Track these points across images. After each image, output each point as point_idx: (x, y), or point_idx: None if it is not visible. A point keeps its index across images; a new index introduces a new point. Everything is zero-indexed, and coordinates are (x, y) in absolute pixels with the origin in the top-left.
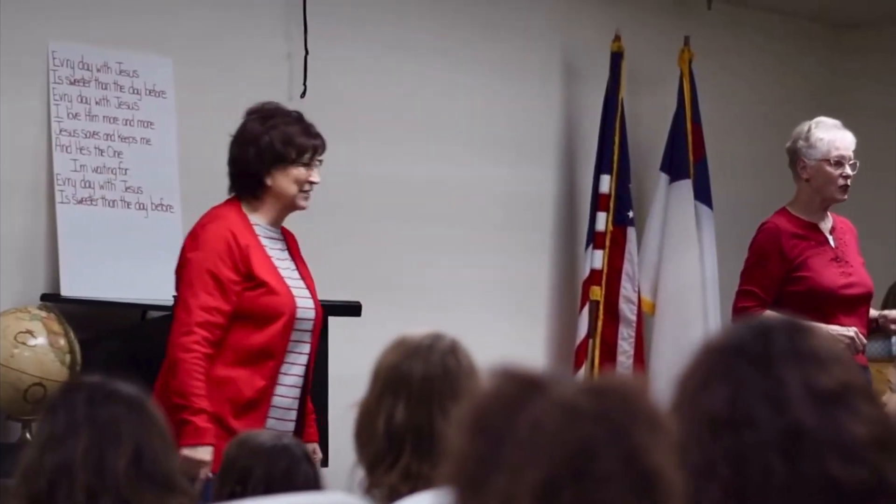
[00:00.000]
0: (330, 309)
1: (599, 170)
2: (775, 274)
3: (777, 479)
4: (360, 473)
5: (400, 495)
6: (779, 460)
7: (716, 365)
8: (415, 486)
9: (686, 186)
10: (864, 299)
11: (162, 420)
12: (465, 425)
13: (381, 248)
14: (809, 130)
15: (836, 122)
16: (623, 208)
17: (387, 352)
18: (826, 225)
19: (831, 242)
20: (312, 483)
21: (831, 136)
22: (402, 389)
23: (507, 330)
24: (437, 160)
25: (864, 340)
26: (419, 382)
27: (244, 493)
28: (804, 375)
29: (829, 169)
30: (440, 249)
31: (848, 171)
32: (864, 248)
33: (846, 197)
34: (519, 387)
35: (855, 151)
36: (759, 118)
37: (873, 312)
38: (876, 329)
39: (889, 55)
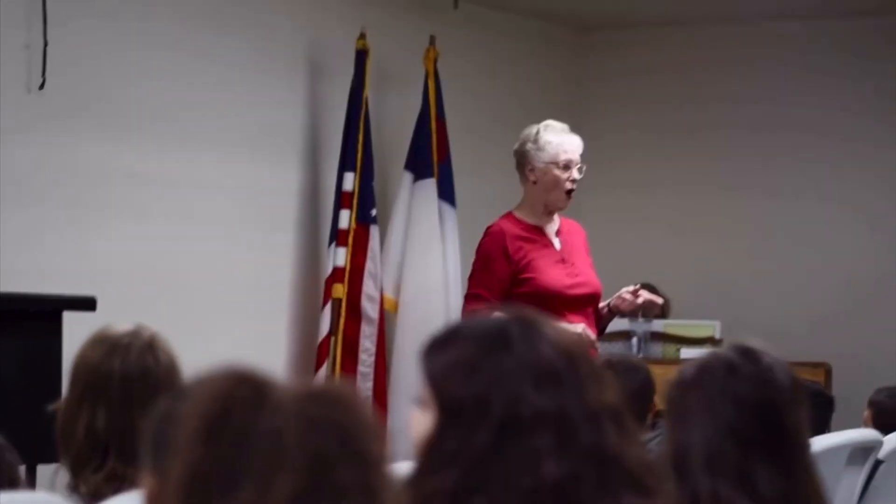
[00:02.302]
0: (63, 303)
1: (343, 167)
2: (501, 275)
3: None
4: (65, 473)
5: (104, 496)
6: (592, 491)
7: (525, 386)
8: (119, 487)
9: (430, 185)
10: (591, 299)
11: None
12: (197, 430)
13: (120, 243)
14: (538, 133)
15: (564, 126)
16: (366, 206)
17: (86, 349)
18: (552, 227)
19: (556, 244)
20: (16, 473)
21: (560, 140)
22: (102, 394)
23: (248, 327)
24: (178, 154)
25: (592, 336)
26: (118, 386)
27: None
28: (599, 393)
29: (556, 172)
30: (181, 245)
31: (575, 174)
32: (609, 250)
33: (568, 204)
34: (251, 391)
35: (595, 151)
36: (504, 118)
37: (602, 304)
38: (609, 317)
39: (632, 57)
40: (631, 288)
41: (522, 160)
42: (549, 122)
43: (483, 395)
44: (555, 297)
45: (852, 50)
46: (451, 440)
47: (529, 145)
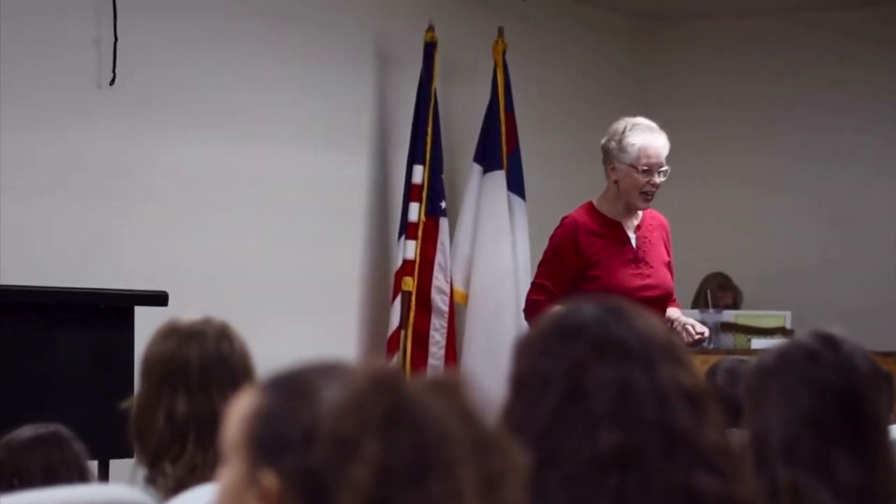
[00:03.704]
0: (136, 298)
1: (412, 160)
2: (569, 269)
3: (654, 487)
4: (142, 469)
5: (185, 487)
6: (659, 465)
7: (589, 358)
8: (201, 476)
9: (499, 177)
10: (660, 301)
11: None
12: (373, 427)
13: (191, 238)
14: (623, 133)
15: (651, 126)
16: (436, 199)
17: (157, 341)
18: (631, 223)
19: (633, 242)
20: (83, 463)
21: (643, 143)
22: (181, 381)
23: (318, 320)
24: (249, 148)
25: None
26: (197, 372)
27: (23, 486)
28: (673, 372)
29: (636, 175)
30: (251, 239)
31: (656, 179)
32: (676, 243)
33: (648, 205)
34: (399, 384)
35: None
36: (573, 109)
37: (671, 312)
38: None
39: (702, 48)
40: (699, 330)
41: (606, 156)
42: (637, 120)
43: (548, 366)
44: (621, 298)
45: None
46: (518, 409)
47: (612, 144)
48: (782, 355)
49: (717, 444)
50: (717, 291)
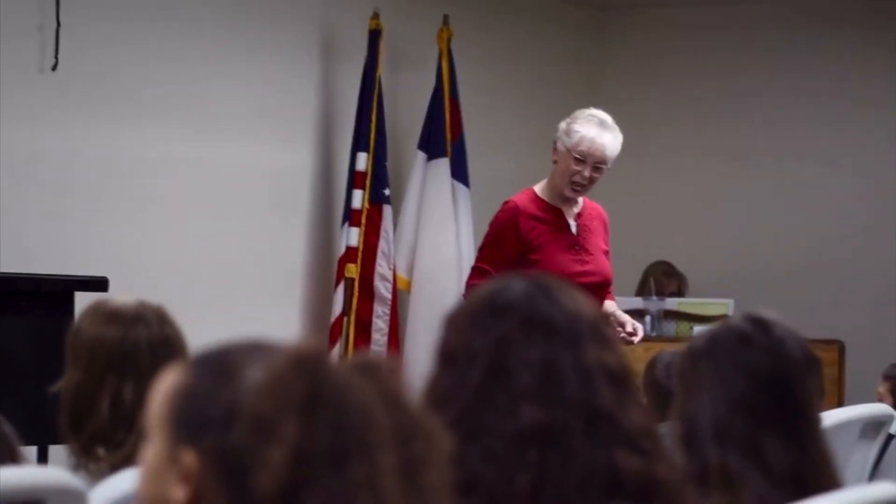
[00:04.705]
0: (75, 284)
1: (356, 147)
2: (509, 254)
3: (576, 464)
4: (71, 454)
5: (119, 471)
6: (581, 443)
7: (516, 335)
8: (138, 461)
9: (443, 164)
10: (599, 288)
11: None
12: (293, 409)
13: (132, 225)
14: (577, 119)
15: (606, 122)
16: (379, 186)
17: (94, 324)
18: (571, 211)
19: (573, 229)
20: (14, 446)
21: (587, 133)
22: (130, 366)
23: (261, 307)
24: (192, 135)
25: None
26: (147, 356)
27: None
28: (599, 352)
29: (569, 161)
30: (194, 225)
31: (586, 172)
32: (622, 233)
33: (575, 195)
34: (322, 367)
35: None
36: (518, 98)
37: (608, 305)
38: None
39: (649, 38)
40: (629, 330)
41: (555, 138)
42: (597, 113)
43: (476, 342)
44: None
45: (872, 24)
46: (443, 384)
47: (563, 125)
48: (714, 338)
49: (639, 424)
50: (662, 279)
